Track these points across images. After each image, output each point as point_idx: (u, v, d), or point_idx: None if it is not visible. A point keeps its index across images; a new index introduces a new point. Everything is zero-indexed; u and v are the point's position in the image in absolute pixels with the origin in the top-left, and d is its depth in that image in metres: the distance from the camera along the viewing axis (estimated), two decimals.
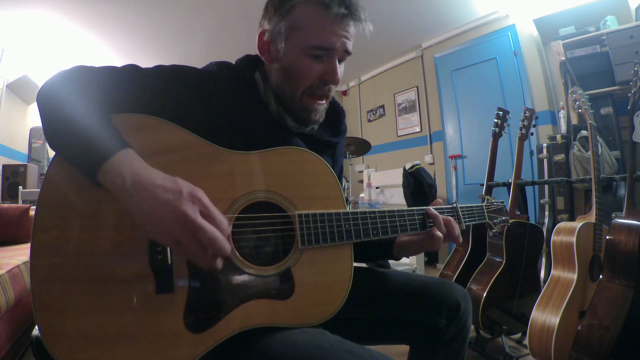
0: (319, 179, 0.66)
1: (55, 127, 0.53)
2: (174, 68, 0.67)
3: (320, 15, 0.65)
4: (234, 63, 0.75)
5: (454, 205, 0.80)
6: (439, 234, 0.73)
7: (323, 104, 0.73)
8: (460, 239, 0.76)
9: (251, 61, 0.76)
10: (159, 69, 0.66)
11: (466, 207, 0.83)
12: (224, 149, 0.61)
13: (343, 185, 3.19)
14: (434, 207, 0.76)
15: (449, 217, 0.76)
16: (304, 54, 0.67)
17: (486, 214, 0.87)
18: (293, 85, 0.69)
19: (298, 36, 0.67)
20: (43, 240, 0.51)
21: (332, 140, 0.81)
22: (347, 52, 0.70)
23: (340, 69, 0.71)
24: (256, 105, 0.72)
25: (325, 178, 0.67)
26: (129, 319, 0.52)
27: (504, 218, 0.90)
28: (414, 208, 0.74)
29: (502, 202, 0.92)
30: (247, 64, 0.75)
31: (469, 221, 0.82)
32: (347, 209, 0.67)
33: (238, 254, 0.59)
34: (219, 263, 0.50)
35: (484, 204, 0.88)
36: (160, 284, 0.53)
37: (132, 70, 0.64)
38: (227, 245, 0.49)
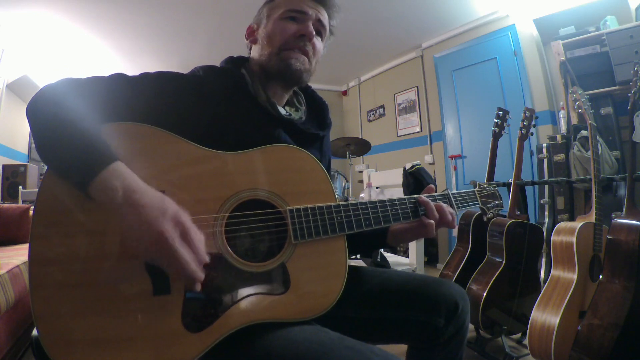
0: (309, 174, 0.67)
1: (45, 141, 0.54)
2: (160, 74, 0.68)
3: None
4: (218, 66, 0.78)
5: (446, 191, 0.81)
6: (431, 220, 0.74)
7: (303, 58, 0.76)
8: (455, 224, 0.77)
9: (236, 60, 0.80)
10: (145, 76, 0.67)
11: (458, 193, 0.84)
12: (214, 150, 0.62)
13: (343, 184, 3.19)
14: (426, 194, 0.78)
15: (441, 203, 0.77)
16: (280, 20, 0.76)
17: (479, 199, 0.88)
18: (272, 45, 0.75)
19: (276, 11, 0.77)
20: (40, 247, 0.51)
21: (319, 134, 0.82)
22: (320, 23, 0.78)
23: (319, 44, 0.78)
24: (246, 99, 0.73)
25: (315, 174, 0.68)
26: (127, 322, 0.52)
27: (497, 202, 0.90)
28: (405, 197, 0.75)
29: (495, 187, 0.92)
30: (232, 63, 0.79)
31: (462, 206, 0.83)
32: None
33: (232, 252, 0.59)
34: (197, 287, 0.51)
35: (476, 189, 0.89)
36: (156, 286, 0.54)
37: (119, 79, 0.64)
38: (197, 274, 0.50)
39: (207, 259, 0.52)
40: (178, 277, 0.50)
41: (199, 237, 0.51)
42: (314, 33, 0.76)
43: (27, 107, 0.56)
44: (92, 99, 0.59)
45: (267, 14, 0.78)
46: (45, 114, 0.54)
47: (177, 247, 0.48)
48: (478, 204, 0.87)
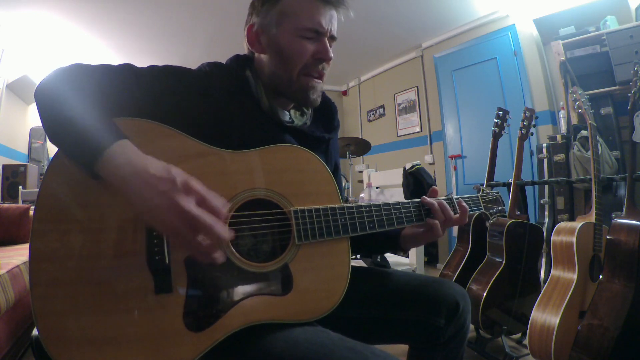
0: (314, 175, 0.67)
1: (54, 122, 0.54)
2: (167, 68, 0.68)
3: (307, 0, 0.70)
4: (224, 63, 0.76)
5: (450, 196, 0.81)
6: (435, 220, 0.74)
7: (320, 83, 0.75)
8: (465, 220, 0.78)
9: (241, 60, 0.77)
10: (153, 69, 0.66)
11: (462, 197, 0.84)
12: (218, 148, 0.62)
13: (343, 184, 3.19)
14: (430, 197, 0.78)
15: (443, 201, 0.77)
16: (296, 36, 0.70)
17: (482, 204, 0.88)
18: (289, 67, 0.71)
19: (289, 21, 0.71)
20: (41, 245, 0.51)
21: (325, 137, 0.81)
22: (332, 38, 0.74)
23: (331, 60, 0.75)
24: (248, 102, 0.72)
25: (319, 175, 0.67)
26: (128, 320, 0.52)
27: (499, 208, 0.90)
28: (409, 200, 0.75)
29: (498, 193, 0.93)
30: (238, 62, 0.76)
31: None
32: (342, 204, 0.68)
33: (235, 252, 0.59)
34: (219, 256, 0.50)
35: (479, 194, 0.89)
36: (158, 284, 0.53)
37: (127, 69, 0.64)
38: (225, 231, 0.49)
39: (227, 214, 0.51)
40: (202, 245, 0.48)
41: (213, 196, 0.50)
42: (331, 54, 0.73)
43: (36, 89, 0.56)
44: (99, 85, 0.59)
45: (276, 21, 0.71)
46: (53, 96, 0.54)
47: (197, 212, 0.47)
48: (481, 209, 0.87)
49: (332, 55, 0.73)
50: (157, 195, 0.47)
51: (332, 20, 0.73)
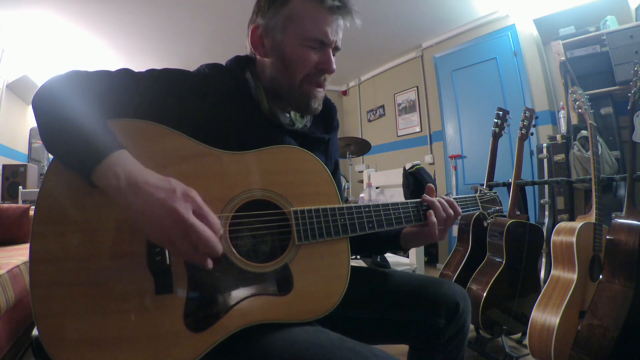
0: (313, 176, 0.67)
1: (51, 130, 0.54)
2: (166, 72, 0.68)
3: (315, 8, 0.69)
4: (224, 64, 0.76)
5: (448, 196, 0.81)
6: (434, 219, 0.74)
7: (322, 92, 0.75)
8: (459, 212, 0.78)
9: (241, 61, 0.77)
10: (151, 72, 0.66)
11: (459, 197, 0.84)
12: (218, 149, 0.62)
13: (343, 184, 3.18)
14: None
15: (442, 199, 0.77)
16: (300, 45, 0.69)
17: (480, 204, 0.88)
18: (291, 74, 0.71)
19: (295, 28, 0.69)
20: (41, 246, 0.51)
21: (325, 137, 0.82)
22: (337, 49, 0.74)
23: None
24: (248, 105, 0.72)
25: (318, 175, 0.68)
26: (129, 321, 0.52)
27: (497, 208, 0.91)
28: (409, 200, 0.75)
29: (495, 193, 0.93)
30: (238, 64, 0.76)
31: (463, 211, 0.83)
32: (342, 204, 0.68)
33: (236, 252, 0.59)
34: (210, 263, 0.50)
35: (477, 195, 0.89)
36: (159, 285, 0.54)
37: (125, 74, 0.64)
38: (218, 246, 0.49)
39: (222, 231, 0.52)
40: (195, 255, 0.49)
41: (210, 211, 0.51)
42: (334, 66, 0.72)
43: (33, 97, 0.56)
44: (97, 92, 0.59)
45: (282, 25, 0.69)
46: (50, 105, 0.54)
47: (194, 221, 0.47)
48: (479, 209, 0.88)
49: (335, 67, 0.72)
50: (155, 204, 0.47)
51: (338, 31, 0.72)
